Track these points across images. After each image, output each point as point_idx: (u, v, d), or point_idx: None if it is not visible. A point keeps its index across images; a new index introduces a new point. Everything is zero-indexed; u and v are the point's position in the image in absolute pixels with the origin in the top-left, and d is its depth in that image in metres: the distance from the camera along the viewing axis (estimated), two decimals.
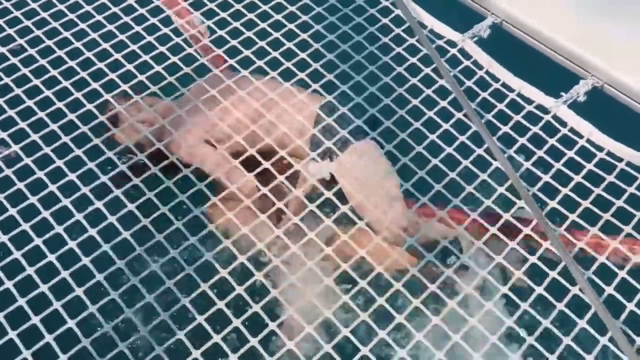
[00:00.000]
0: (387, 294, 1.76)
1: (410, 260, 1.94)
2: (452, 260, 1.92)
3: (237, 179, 2.11)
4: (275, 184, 1.98)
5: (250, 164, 2.07)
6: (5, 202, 1.89)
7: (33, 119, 2.06)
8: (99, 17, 2.34)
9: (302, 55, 2.25)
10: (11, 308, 1.68)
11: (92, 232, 1.82)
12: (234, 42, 2.28)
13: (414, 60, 2.24)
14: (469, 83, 2.20)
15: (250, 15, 2.35)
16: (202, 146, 2.32)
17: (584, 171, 2.01)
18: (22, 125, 2.04)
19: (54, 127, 2.03)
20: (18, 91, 2.12)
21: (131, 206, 1.89)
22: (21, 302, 1.69)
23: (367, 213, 2.18)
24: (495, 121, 2.12)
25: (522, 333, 1.70)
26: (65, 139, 2.01)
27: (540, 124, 2.11)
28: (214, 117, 2.23)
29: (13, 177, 1.94)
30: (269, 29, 2.31)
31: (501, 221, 1.90)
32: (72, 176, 1.92)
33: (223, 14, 2.35)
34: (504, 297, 1.80)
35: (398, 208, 2.26)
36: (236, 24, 2.32)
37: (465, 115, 2.10)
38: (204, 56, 2.33)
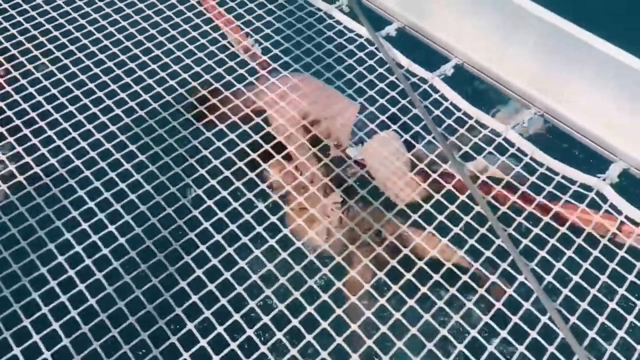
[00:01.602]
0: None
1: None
2: None
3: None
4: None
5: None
6: None
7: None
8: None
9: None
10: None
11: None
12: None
13: (393, 93, 2.23)
14: (437, 112, 2.18)
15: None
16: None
17: (528, 182, 2.00)
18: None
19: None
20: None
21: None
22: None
23: (380, 181, 2.17)
24: (458, 142, 2.10)
25: (480, 314, 1.70)
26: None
27: (493, 145, 2.10)
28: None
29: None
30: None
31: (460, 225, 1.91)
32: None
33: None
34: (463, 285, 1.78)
35: (404, 177, 2.20)
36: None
37: (433, 137, 2.10)
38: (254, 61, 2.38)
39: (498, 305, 1.71)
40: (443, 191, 1.97)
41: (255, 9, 2.53)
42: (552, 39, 2.15)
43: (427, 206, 1.94)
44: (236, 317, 1.63)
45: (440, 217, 1.90)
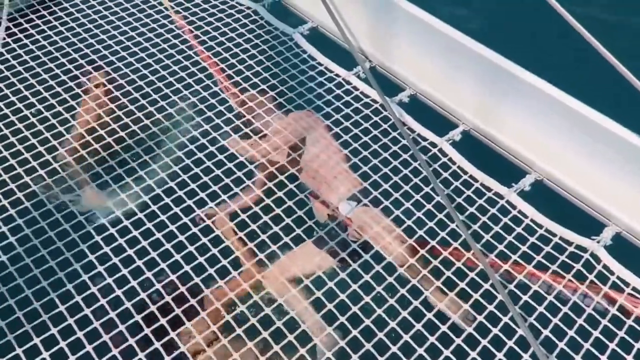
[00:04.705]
0: None
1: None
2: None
3: None
4: None
5: None
6: None
7: None
8: None
9: None
10: None
11: None
12: None
13: (406, 156, 2.44)
14: (445, 174, 2.39)
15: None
16: None
17: (528, 243, 2.19)
18: None
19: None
20: None
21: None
22: None
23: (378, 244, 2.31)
24: (464, 204, 2.30)
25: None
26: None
27: (497, 207, 2.30)
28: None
29: None
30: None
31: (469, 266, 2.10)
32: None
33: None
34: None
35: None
36: None
37: (441, 199, 2.29)
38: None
39: (499, 355, 1.88)
40: (442, 256, 2.17)
41: (279, 73, 2.78)
42: (551, 110, 2.39)
43: (437, 260, 2.14)
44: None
45: (448, 272, 2.10)
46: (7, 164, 2.31)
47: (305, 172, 2.61)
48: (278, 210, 2.24)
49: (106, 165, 2.38)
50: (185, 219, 2.18)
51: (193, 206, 2.23)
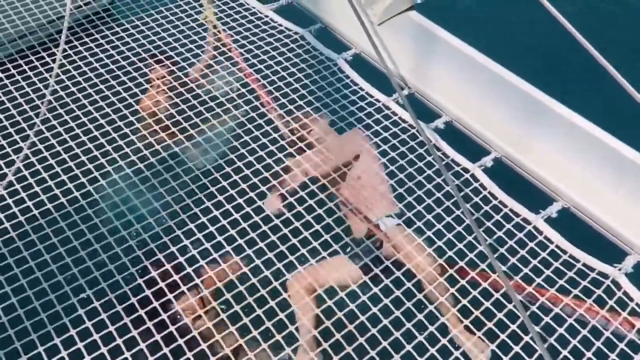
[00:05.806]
0: None
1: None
2: None
3: None
4: None
5: None
6: None
7: None
8: None
9: None
10: None
11: None
12: None
13: (439, 180, 2.61)
14: (476, 199, 2.55)
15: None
16: None
17: (552, 268, 2.33)
18: None
19: None
20: None
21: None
22: None
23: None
24: (493, 227, 2.45)
25: None
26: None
27: (524, 232, 2.44)
28: None
29: None
30: None
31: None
32: None
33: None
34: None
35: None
36: None
37: (470, 222, 2.44)
38: None
39: None
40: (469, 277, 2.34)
41: (323, 96, 2.99)
42: (581, 142, 2.54)
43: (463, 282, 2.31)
44: None
45: (474, 291, 2.26)
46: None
47: (349, 188, 2.82)
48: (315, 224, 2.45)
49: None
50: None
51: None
